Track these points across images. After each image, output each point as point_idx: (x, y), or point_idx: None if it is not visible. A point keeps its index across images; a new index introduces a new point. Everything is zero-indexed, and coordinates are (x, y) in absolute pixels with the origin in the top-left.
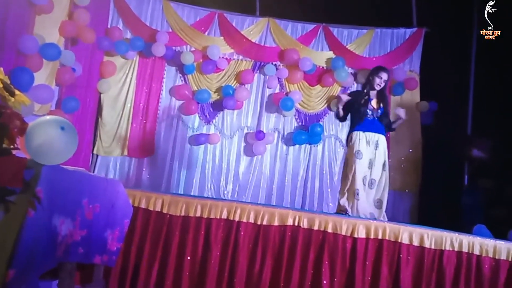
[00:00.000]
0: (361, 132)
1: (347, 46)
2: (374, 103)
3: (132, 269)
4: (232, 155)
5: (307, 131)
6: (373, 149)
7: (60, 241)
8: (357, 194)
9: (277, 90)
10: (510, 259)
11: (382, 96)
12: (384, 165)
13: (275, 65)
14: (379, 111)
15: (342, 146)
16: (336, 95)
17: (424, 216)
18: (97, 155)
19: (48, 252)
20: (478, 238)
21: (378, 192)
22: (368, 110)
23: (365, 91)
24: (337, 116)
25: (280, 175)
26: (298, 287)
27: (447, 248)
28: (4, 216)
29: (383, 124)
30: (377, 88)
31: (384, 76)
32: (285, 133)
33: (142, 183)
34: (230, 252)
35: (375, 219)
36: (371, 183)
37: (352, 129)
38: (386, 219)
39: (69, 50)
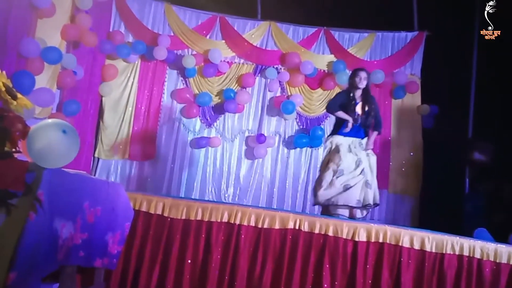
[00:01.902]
0: (341, 137)
1: (348, 50)
2: (359, 108)
3: (133, 273)
4: (233, 158)
5: (308, 135)
6: (355, 152)
7: (61, 244)
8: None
9: (278, 94)
10: (511, 263)
11: (366, 97)
12: (368, 156)
13: (277, 68)
14: (364, 116)
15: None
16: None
17: (425, 219)
18: (98, 158)
19: (49, 255)
20: (479, 241)
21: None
22: (355, 117)
23: (352, 95)
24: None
25: (281, 178)
26: None
27: (448, 252)
28: (6, 219)
29: (368, 125)
30: (361, 86)
31: (363, 74)
32: (286, 137)
33: (143, 186)
34: (231, 255)
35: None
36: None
37: (334, 132)
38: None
39: (70, 53)
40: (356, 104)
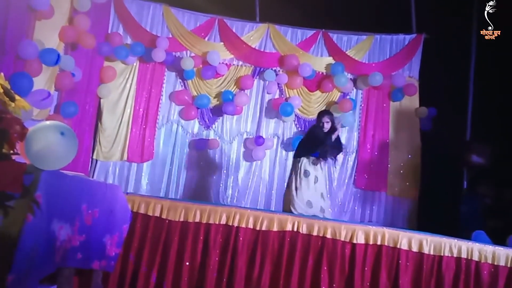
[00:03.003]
0: (308, 156)
1: (346, 52)
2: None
3: (131, 275)
4: (232, 160)
5: None
6: (318, 168)
7: (59, 246)
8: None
9: (276, 96)
10: (509, 265)
11: (332, 132)
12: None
13: (275, 70)
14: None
15: (341, 152)
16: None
17: (423, 221)
18: (96, 160)
19: (47, 257)
20: (477, 244)
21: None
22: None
23: (321, 134)
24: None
25: (279, 180)
26: None
27: (446, 254)
28: (3, 221)
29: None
30: (326, 130)
31: (325, 119)
32: (285, 139)
33: (141, 188)
34: (229, 257)
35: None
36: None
37: (302, 155)
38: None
39: (69, 55)
40: (325, 141)
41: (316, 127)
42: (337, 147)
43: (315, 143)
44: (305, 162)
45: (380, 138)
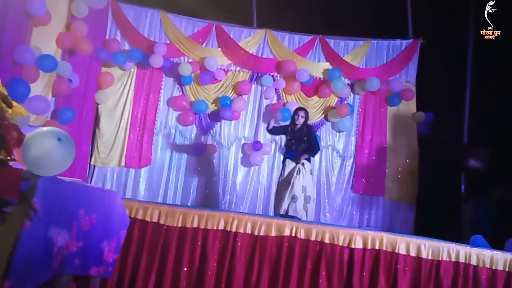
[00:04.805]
0: (290, 160)
1: (343, 57)
2: (297, 139)
3: (129, 281)
4: (230, 165)
5: None
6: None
7: (56, 252)
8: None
9: (274, 101)
10: (507, 269)
11: (303, 129)
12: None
13: (273, 76)
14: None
15: (339, 156)
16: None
17: (421, 226)
18: (94, 166)
19: (44, 264)
20: (475, 248)
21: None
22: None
23: (293, 129)
24: (267, 128)
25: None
26: None
27: (444, 259)
28: (0, 228)
29: (303, 150)
30: (298, 123)
31: (301, 113)
32: (283, 144)
33: (139, 194)
34: (227, 263)
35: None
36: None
37: (286, 156)
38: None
39: (66, 61)
40: (295, 136)
41: (290, 123)
42: (312, 144)
43: (288, 134)
44: (288, 165)
45: (378, 143)
